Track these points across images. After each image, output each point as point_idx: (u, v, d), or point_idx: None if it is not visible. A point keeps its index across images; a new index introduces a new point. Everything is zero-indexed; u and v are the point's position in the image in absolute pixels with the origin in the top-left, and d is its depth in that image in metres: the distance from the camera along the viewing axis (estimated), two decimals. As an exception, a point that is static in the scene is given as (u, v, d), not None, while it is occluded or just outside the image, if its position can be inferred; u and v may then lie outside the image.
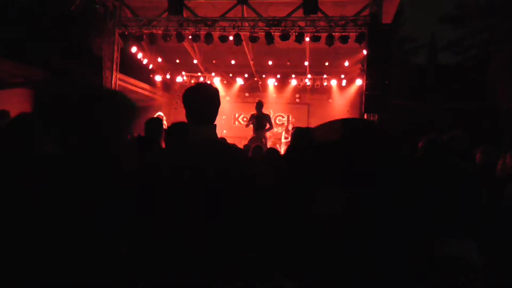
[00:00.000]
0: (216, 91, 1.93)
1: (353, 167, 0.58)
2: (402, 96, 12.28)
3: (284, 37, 8.57)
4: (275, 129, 11.22)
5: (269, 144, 9.61)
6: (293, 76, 12.71)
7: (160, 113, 10.34)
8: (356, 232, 0.55)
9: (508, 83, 11.01)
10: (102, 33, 9.15)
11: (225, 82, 13.39)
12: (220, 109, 1.92)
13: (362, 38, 8.46)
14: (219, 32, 8.87)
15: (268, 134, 9.11)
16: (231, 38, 8.86)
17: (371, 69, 8.15)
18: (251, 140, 7.87)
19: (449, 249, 0.71)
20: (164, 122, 9.16)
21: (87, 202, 1.03)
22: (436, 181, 0.77)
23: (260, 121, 8.58)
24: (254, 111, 8.81)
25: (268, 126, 8.69)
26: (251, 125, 8.82)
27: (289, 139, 10.22)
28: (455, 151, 2.87)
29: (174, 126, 2.82)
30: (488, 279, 0.80)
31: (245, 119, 13.55)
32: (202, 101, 1.85)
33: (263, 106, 8.82)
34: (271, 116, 9.47)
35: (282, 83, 13.02)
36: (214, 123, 1.88)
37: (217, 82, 13.10)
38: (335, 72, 12.32)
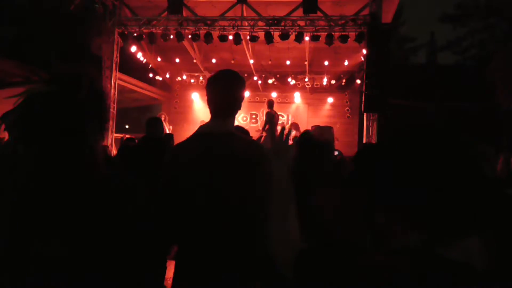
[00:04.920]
0: (230, 81, 1.79)
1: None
2: (401, 95, 12.29)
3: (284, 36, 8.56)
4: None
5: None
6: (293, 75, 12.70)
7: (162, 114, 10.30)
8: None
9: (507, 83, 11.03)
10: (102, 32, 9.14)
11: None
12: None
13: (362, 37, 8.47)
14: (218, 32, 8.86)
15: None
16: (230, 37, 8.86)
17: (371, 69, 8.15)
18: (264, 141, 7.79)
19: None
20: (166, 123, 9.18)
21: None
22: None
23: (273, 120, 8.57)
24: (266, 111, 8.79)
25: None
26: (255, 124, 8.85)
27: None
28: None
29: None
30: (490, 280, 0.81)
31: (245, 118, 13.53)
32: (214, 95, 1.78)
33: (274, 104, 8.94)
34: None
35: (282, 83, 13.02)
36: (231, 116, 1.78)
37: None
38: (334, 71, 12.32)
